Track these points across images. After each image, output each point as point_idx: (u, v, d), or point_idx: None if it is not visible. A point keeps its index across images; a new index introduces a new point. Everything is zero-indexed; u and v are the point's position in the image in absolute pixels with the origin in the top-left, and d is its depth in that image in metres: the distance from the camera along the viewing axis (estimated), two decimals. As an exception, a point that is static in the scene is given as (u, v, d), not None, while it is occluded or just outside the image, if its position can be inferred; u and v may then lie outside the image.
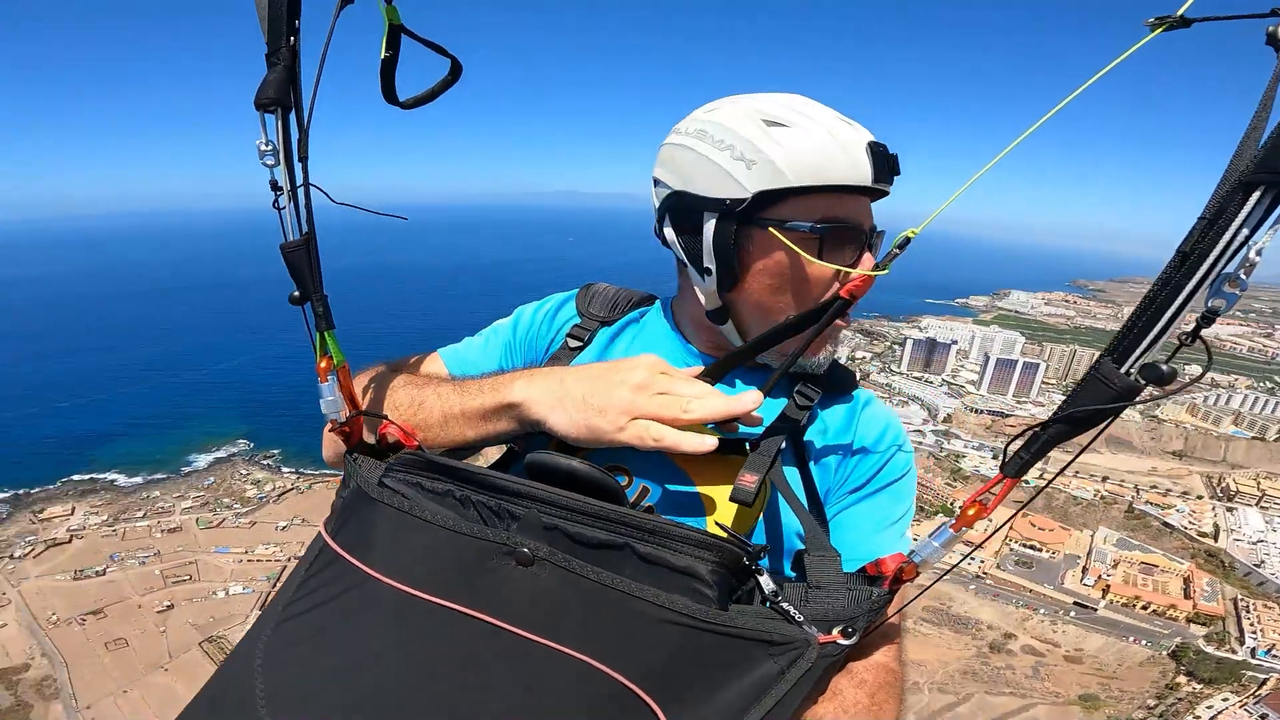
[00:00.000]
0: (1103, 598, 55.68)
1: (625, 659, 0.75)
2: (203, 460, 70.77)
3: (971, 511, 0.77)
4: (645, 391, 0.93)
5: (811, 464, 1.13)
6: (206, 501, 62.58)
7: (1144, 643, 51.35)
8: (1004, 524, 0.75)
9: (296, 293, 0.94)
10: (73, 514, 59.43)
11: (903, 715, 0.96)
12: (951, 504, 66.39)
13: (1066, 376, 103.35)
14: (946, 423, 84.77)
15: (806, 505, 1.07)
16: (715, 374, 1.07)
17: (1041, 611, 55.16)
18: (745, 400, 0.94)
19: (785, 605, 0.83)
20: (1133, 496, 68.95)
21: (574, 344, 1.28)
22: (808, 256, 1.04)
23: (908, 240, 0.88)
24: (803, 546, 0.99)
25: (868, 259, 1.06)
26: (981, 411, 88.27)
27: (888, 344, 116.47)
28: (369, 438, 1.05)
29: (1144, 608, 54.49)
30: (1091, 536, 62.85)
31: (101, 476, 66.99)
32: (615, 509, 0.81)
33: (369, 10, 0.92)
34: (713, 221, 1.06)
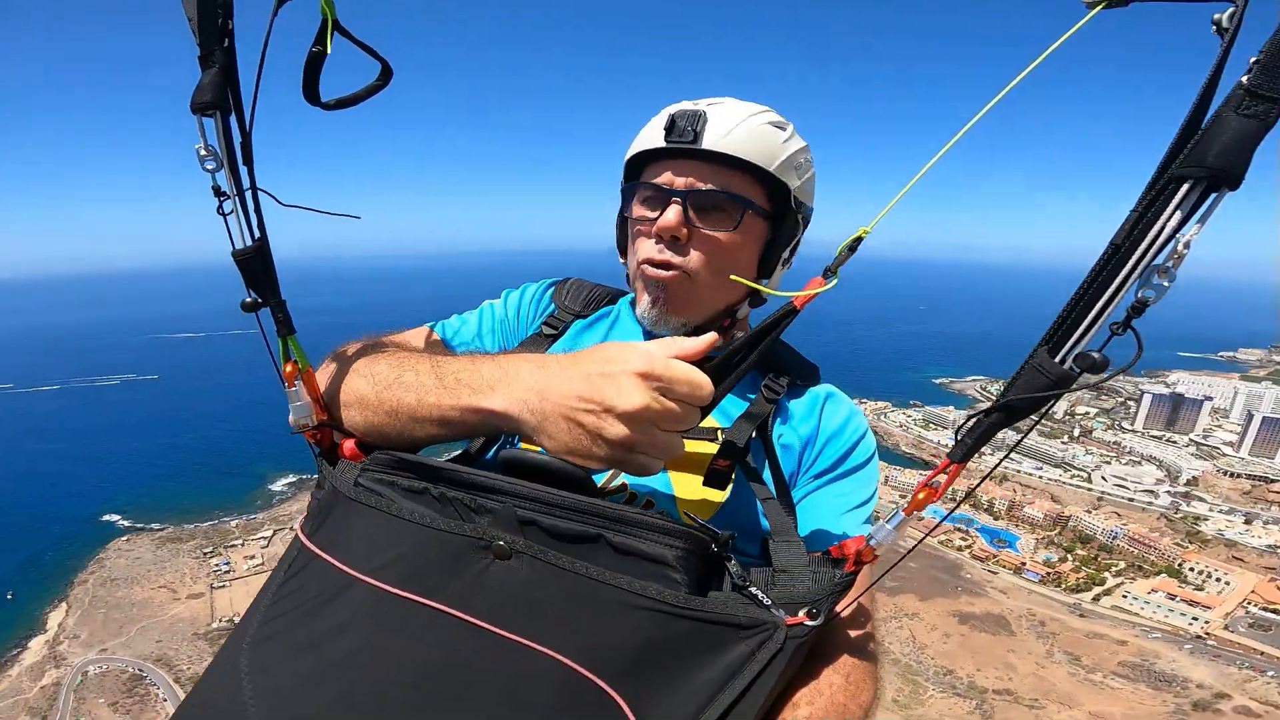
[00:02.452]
0: (1359, 662, 44.61)
1: (596, 651, 0.76)
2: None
3: (922, 495, 0.79)
4: (641, 421, 0.82)
5: (778, 451, 1.20)
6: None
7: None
8: (956, 506, 0.78)
9: (249, 299, 0.92)
10: (339, 498, 72.84)
11: (879, 697, 0.98)
12: (1180, 565, 57.72)
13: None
14: (1190, 485, 72.88)
15: (774, 492, 1.12)
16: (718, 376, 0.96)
17: (1270, 673, 46.06)
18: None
19: (753, 589, 0.84)
20: None
21: (549, 332, 1.35)
22: (634, 214, 1.24)
23: (858, 240, 0.85)
24: (768, 531, 1.04)
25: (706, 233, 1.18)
26: (1239, 475, 74.44)
27: (1120, 400, 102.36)
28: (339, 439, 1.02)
29: None
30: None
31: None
32: (589, 501, 0.81)
33: (312, 8, 0.89)
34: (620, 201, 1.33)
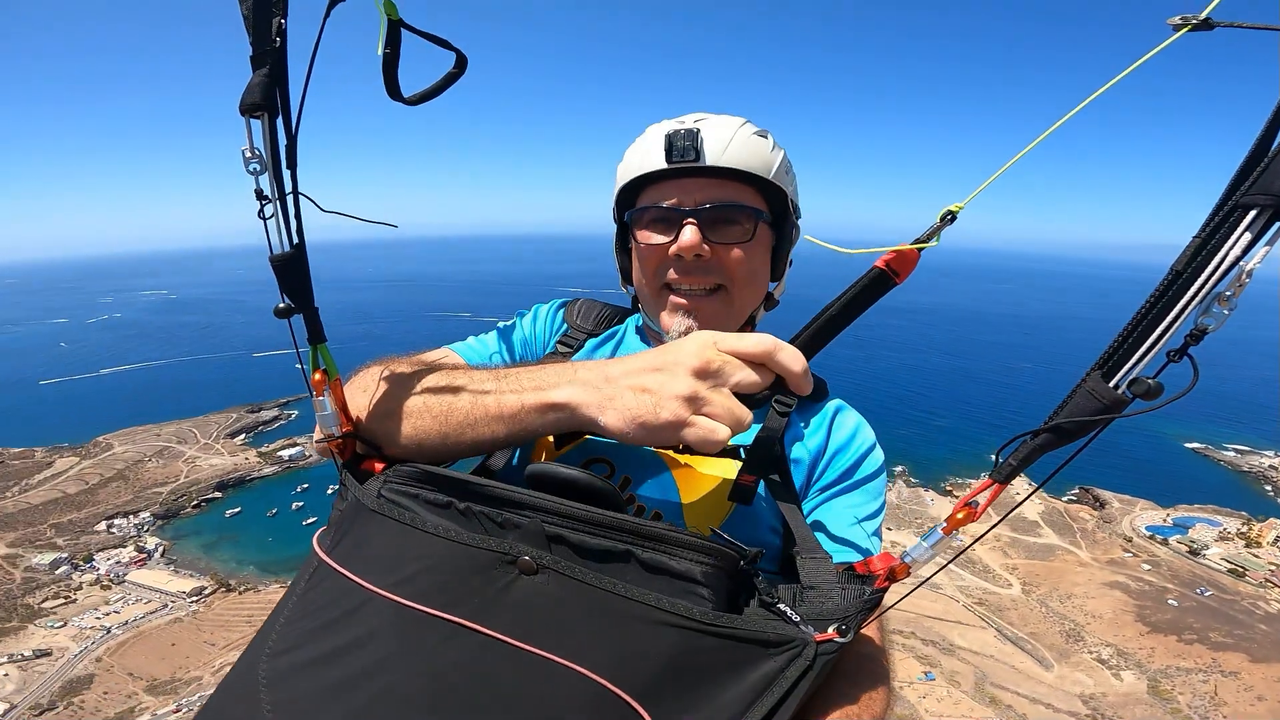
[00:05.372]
0: None
1: (623, 667, 0.75)
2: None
3: (961, 515, 0.77)
4: (706, 380, 0.84)
5: (790, 465, 1.21)
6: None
7: None
8: (988, 530, 0.77)
9: (282, 305, 0.90)
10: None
11: (891, 706, 0.98)
12: None
13: None
14: None
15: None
16: (809, 348, 0.96)
17: None
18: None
19: (781, 606, 0.83)
20: None
21: (564, 350, 1.37)
22: (645, 240, 1.25)
23: (952, 215, 0.83)
24: (784, 545, 1.05)
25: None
26: None
27: None
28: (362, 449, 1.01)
29: None
30: None
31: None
32: (617, 516, 0.80)
33: (368, 7, 0.87)
34: (614, 229, 1.39)
